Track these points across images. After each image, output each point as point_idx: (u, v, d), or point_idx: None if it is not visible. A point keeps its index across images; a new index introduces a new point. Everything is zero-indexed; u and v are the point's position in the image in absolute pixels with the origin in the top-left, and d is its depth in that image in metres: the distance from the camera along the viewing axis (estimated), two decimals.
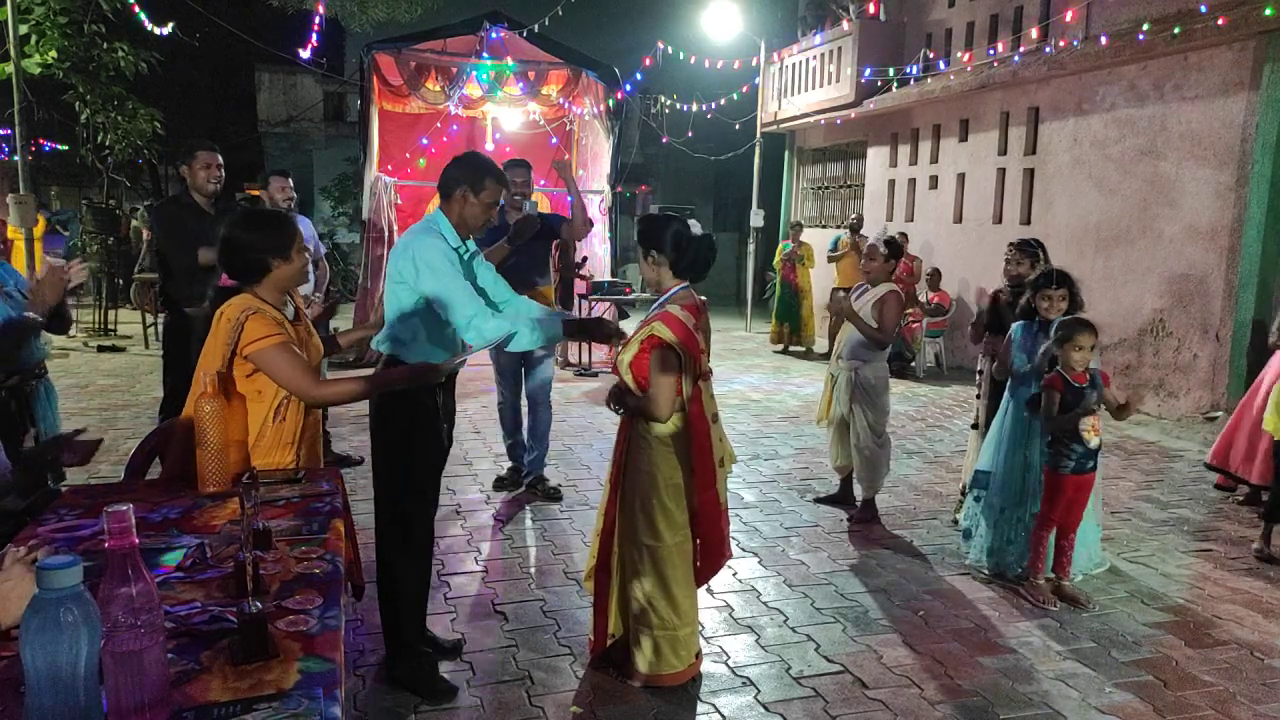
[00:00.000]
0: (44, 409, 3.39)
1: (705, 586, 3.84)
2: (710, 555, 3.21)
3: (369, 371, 2.93)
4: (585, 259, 10.24)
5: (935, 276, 10.45)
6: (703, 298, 3.24)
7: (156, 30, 10.11)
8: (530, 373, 5.30)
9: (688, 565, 3.17)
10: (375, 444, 3.10)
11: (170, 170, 18.17)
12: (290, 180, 5.76)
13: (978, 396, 5.17)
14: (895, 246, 5.04)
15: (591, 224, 4.86)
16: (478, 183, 3.02)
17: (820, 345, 11.61)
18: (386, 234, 9.59)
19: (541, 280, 5.32)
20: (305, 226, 5.95)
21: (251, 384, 2.66)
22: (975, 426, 5.20)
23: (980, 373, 5.13)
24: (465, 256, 3.08)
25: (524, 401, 5.38)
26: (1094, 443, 3.88)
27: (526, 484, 5.41)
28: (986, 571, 4.34)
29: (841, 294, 5.24)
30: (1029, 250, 4.91)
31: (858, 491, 5.19)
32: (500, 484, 5.46)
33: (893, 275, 5.03)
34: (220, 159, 4.77)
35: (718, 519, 3.16)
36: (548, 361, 5.36)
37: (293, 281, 2.76)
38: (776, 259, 12.01)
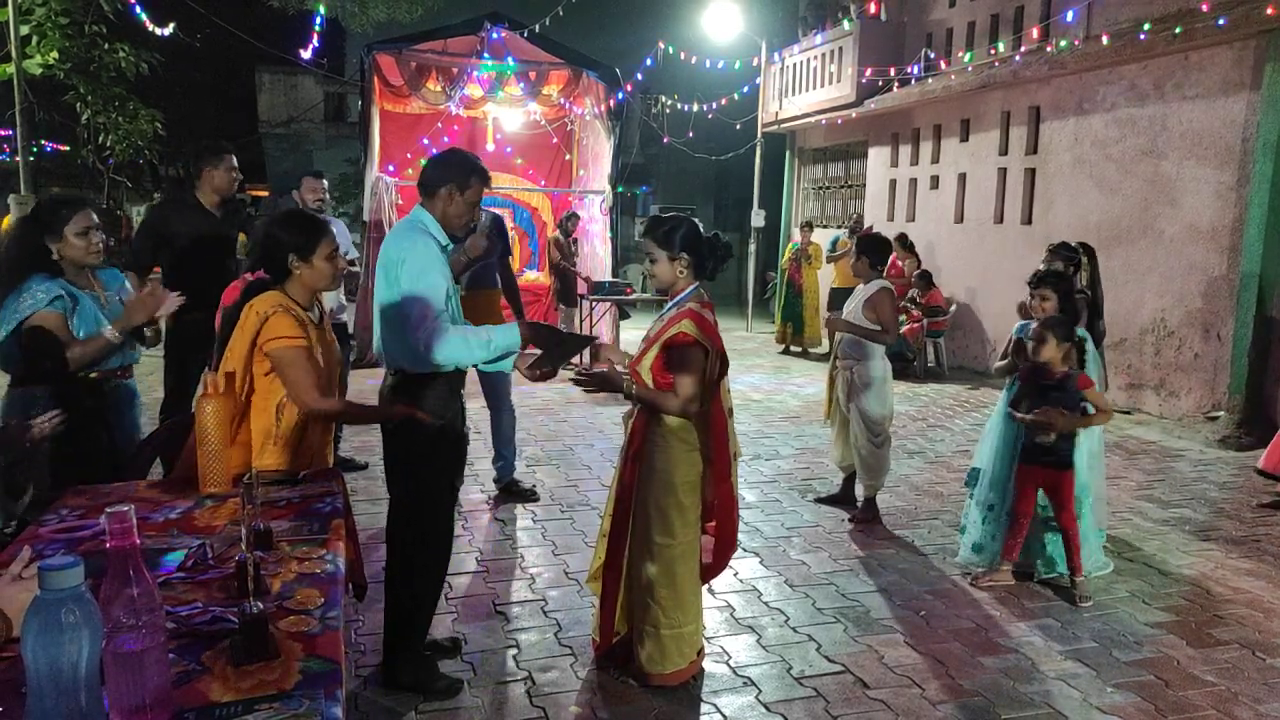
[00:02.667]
0: (124, 409, 3.37)
1: (707, 586, 3.85)
2: (722, 547, 3.25)
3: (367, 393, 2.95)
4: (576, 240, 10.21)
5: (926, 278, 10.39)
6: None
7: (157, 31, 10.11)
8: (484, 378, 5.20)
9: (696, 562, 3.19)
10: (393, 444, 3.04)
11: (170, 170, 18.16)
12: (324, 182, 5.68)
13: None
14: (869, 243, 5.04)
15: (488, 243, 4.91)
16: (464, 181, 2.98)
17: (825, 346, 11.59)
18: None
19: (491, 284, 5.30)
20: (340, 230, 5.94)
21: (270, 381, 2.68)
22: None
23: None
24: (448, 253, 3.06)
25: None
26: (1041, 439, 3.98)
27: (500, 489, 5.36)
28: (978, 568, 4.35)
29: (833, 315, 5.16)
30: (1063, 253, 4.87)
31: (858, 491, 5.18)
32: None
33: (884, 272, 5.03)
34: (235, 162, 4.80)
35: (732, 510, 3.21)
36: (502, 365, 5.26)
37: (321, 285, 2.82)
38: (785, 257, 11.99)
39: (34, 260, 3.05)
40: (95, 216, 3.20)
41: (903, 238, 10.60)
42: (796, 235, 12.39)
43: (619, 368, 3.19)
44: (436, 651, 3.31)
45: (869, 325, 4.85)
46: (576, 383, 3.06)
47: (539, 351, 3.07)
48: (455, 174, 2.98)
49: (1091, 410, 4.01)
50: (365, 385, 8.51)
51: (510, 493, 5.31)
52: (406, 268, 2.84)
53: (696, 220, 3.18)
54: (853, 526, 4.98)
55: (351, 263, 5.67)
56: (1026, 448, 4.07)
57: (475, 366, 3.08)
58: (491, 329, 2.93)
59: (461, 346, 2.82)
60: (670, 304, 3.14)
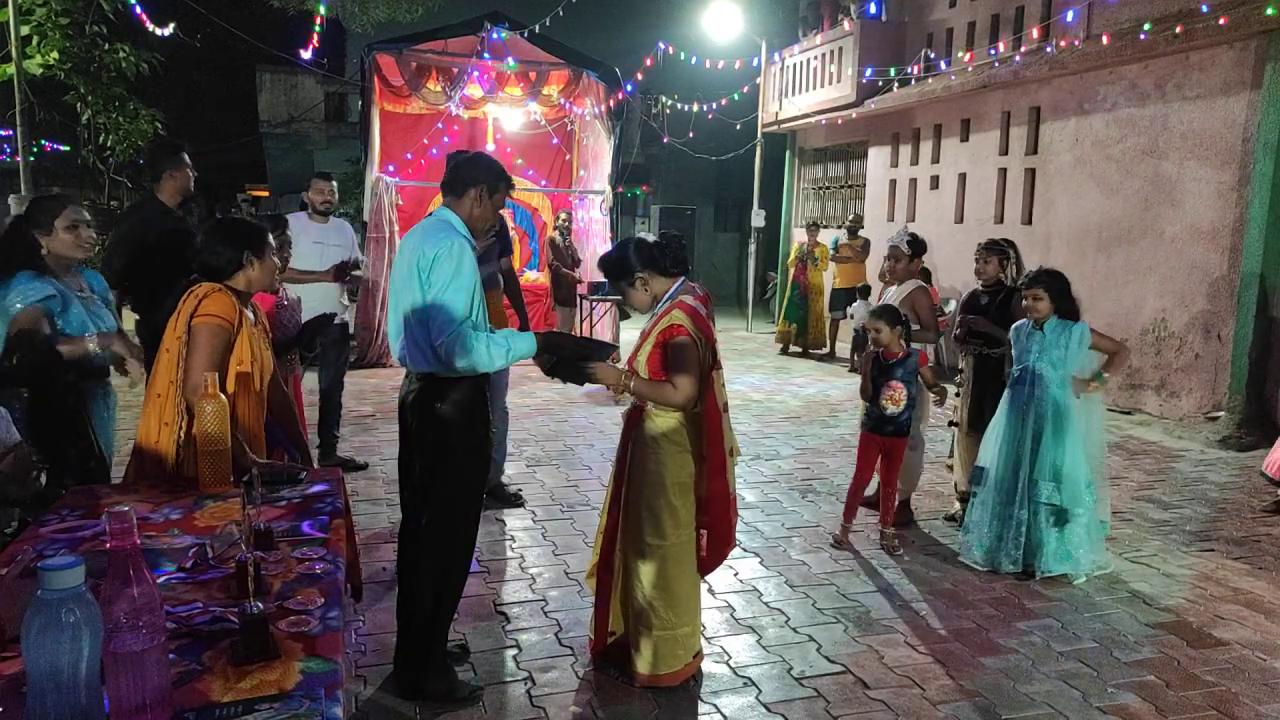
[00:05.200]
0: (101, 412, 3.36)
1: (707, 587, 3.86)
2: (717, 544, 3.23)
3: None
4: (578, 263, 10.22)
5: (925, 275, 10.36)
6: (704, 291, 3.26)
7: (158, 31, 10.11)
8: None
9: (691, 562, 3.18)
10: (425, 452, 2.99)
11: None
12: (333, 183, 5.75)
13: (957, 394, 5.17)
14: (920, 245, 5.06)
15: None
16: (494, 185, 2.98)
17: (828, 347, 11.57)
18: (387, 234, 9.60)
19: (493, 284, 5.10)
20: (346, 232, 5.96)
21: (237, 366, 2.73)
22: (954, 424, 5.22)
23: (960, 371, 5.14)
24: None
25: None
26: (890, 410, 4.52)
27: (485, 492, 5.27)
28: (980, 568, 4.36)
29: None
30: (995, 249, 4.94)
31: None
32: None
33: (914, 273, 5.03)
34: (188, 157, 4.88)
35: (727, 508, 3.19)
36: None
37: (260, 283, 2.89)
38: (791, 257, 11.96)
39: (21, 255, 3.05)
40: (85, 214, 3.24)
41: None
42: (801, 236, 12.35)
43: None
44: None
45: (911, 327, 4.84)
46: (556, 372, 3.04)
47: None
48: (486, 176, 2.97)
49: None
50: (365, 385, 8.53)
51: (495, 496, 5.14)
52: (437, 270, 2.79)
53: (633, 236, 3.24)
54: (894, 531, 4.79)
55: (356, 265, 5.65)
56: (878, 419, 4.57)
57: None
58: (512, 336, 2.90)
59: (483, 355, 2.80)
60: (664, 299, 3.15)
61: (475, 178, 2.96)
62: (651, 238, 3.21)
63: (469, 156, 3.08)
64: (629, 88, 10.46)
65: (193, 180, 4.76)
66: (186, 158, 4.73)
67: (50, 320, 3.05)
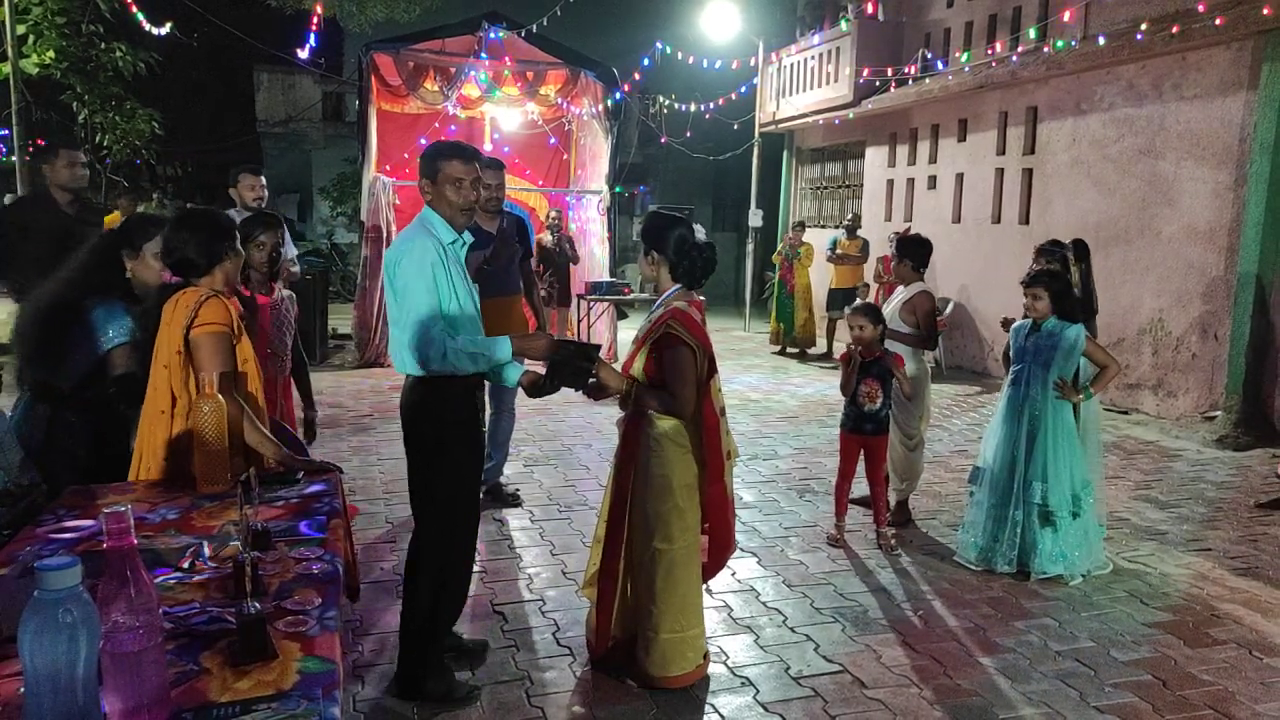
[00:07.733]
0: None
1: (705, 587, 3.85)
2: (718, 548, 3.23)
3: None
4: (576, 260, 10.21)
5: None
6: (701, 297, 3.25)
7: (155, 30, 10.09)
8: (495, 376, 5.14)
9: (696, 565, 3.18)
10: (420, 451, 2.98)
11: (168, 170, 18.15)
12: (261, 179, 5.45)
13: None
14: (908, 247, 5.02)
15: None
16: (433, 171, 2.89)
17: (821, 347, 11.57)
18: (385, 234, 9.59)
19: (514, 289, 5.11)
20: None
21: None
22: None
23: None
24: (460, 248, 3.00)
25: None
26: (868, 408, 4.60)
27: (485, 490, 5.15)
28: (974, 567, 4.36)
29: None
30: (1049, 252, 4.92)
31: (892, 497, 5.10)
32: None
33: (923, 274, 5.02)
34: (83, 158, 4.82)
35: (725, 510, 3.19)
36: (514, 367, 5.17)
37: (235, 277, 2.85)
38: (776, 256, 11.97)
39: (116, 279, 2.97)
40: None
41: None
42: (790, 235, 12.37)
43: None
44: (460, 653, 3.30)
45: (906, 329, 4.84)
46: (586, 392, 3.05)
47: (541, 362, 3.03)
48: (424, 168, 2.92)
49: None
50: (364, 385, 8.52)
51: (494, 495, 5.15)
52: (400, 274, 2.82)
53: (699, 226, 3.16)
54: (895, 530, 4.83)
55: (292, 261, 5.61)
56: (856, 417, 4.64)
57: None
58: (486, 341, 2.88)
59: (450, 359, 2.79)
60: (658, 303, 3.15)
61: (420, 174, 2.93)
62: (702, 235, 3.13)
63: (421, 154, 2.98)
64: (626, 87, 10.45)
65: (78, 178, 4.77)
66: (64, 155, 4.74)
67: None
